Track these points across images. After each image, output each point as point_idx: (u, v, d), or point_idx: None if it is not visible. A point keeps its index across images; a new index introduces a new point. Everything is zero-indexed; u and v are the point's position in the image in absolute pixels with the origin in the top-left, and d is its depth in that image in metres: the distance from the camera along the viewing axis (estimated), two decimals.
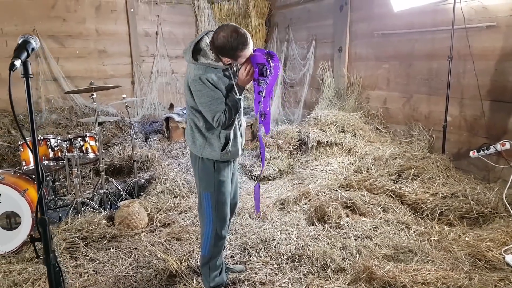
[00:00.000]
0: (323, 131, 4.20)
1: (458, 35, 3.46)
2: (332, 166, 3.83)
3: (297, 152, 4.30)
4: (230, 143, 2.04)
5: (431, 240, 2.68)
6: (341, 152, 4.02)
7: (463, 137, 3.68)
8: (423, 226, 2.86)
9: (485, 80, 3.43)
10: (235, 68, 2.11)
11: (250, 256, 2.58)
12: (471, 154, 3.37)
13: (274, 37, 6.32)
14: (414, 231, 2.81)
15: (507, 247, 2.61)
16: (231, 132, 2.05)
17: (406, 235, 2.75)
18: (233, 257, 2.62)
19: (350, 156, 3.95)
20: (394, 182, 3.38)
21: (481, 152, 3.30)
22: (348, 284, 2.18)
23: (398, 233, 2.76)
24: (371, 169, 3.62)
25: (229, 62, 1.96)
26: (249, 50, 1.91)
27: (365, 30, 4.58)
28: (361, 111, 4.58)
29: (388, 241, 2.63)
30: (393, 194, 3.23)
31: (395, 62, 4.26)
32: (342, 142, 4.08)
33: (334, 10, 4.97)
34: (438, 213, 2.96)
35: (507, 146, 3.17)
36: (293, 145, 4.31)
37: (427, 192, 3.17)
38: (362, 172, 3.64)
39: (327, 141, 4.10)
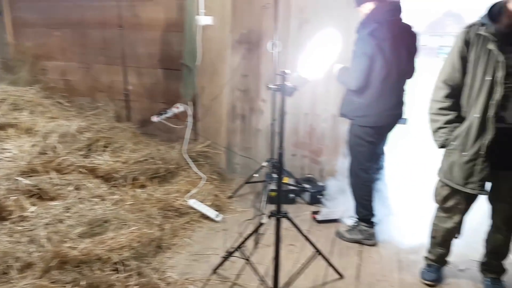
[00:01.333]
0: None
1: (127, 5, 3.61)
2: (10, 152, 3.31)
3: None
4: None
5: (125, 206, 2.82)
6: (19, 134, 3.53)
7: (145, 104, 3.98)
8: (118, 195, 2.96)
9: (155, 49, 3.77)
10: None
11: None
12: (153, 119, 3.71)
13: None
14: (109, 202, 2.87)
15: (189, 193, 3.10)
16: None
17: (102, 207, 2.76)
18: None
19: (31, 137, 3.52)
20: (84, 157, 3.29)
21: (161, 116, 3.69)
22: (38, 278, 2.00)
23: (93, 208, 2.74)
24: (58, 148, 3.37)
25: None
26: None
27: None
28: (38, 84, 4.12)
29: (82, 218, 2.57)
30: (85, 169, 3.15)
31: (68, 29, 4.03)
32: (18, 123, 3.57)
33: None
34: (130, 178, 3.13)
35: (181, 108, 3.67)
36: None
37: (119, 161, 3.27)
38: (47, 153, 3.33)
39: None
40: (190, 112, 3.64)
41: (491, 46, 1.79)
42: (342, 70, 2.55)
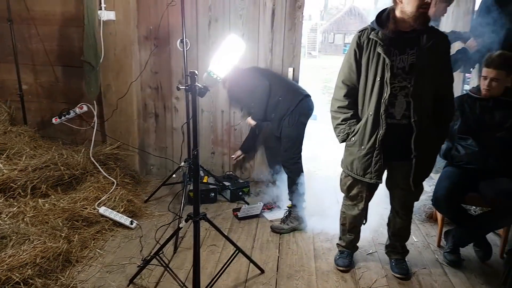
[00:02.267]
0: None
1: None
2: None
3: None
4: None
5: (26, 218, 2.57)
6: None
7: (43, 104, 3.65)
8: (16, 206, 2.68)
9: (52, 45, 3.47)
10: None
11: None
12: (53, 120, 3.42)
13: None
14: (6, 215, 2.58)
15: (99, 201, 2.92)
16: None
17: None
18: None
19: None
20: None
21: (63, 117, 3.42)
22: None
23: None
24: None
25: None
26: None
27: None
28: None
29: None
30: None
31: None
32: None
33: None
34: (30, 188, 2.85)
35: (85, 108, 3.44)
36: None
37: (16, 169, 2.96)
38: None
39: None
40: (95, 112, 3.43)
41: (379, 49, 1.97)
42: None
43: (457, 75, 3.07)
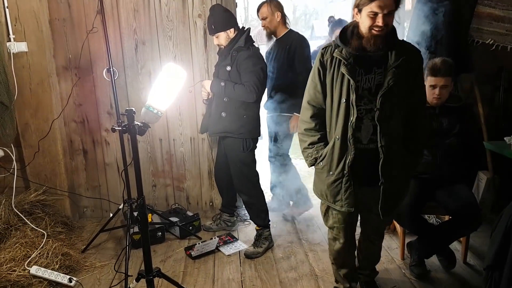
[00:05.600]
0: None
1: None
2: None
3: None
4: None
5: None
6: None
7: None
8: None
9: None
10: None
11: None
12: None
13: None
14: None
15: (29, 259, 2.61)
16: None
17: None
18: None
19: None
20: None
21: None
22: None
23: None
24: None
25: None
26: None
27: None
28: None
29: None
30: None
31: None
32: None
33: None
34: None
35: (1, 153, 3.09)
36: None
37: None
38: None
39: None
40: (14, 156, 3.09)
41: (343, 69, 1.84)
42: (230, 85, 2.66)
43: None
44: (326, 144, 2.00)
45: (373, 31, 1.76)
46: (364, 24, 1.76)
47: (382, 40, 1.77)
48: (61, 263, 2.69)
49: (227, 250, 2.90)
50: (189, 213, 3.28)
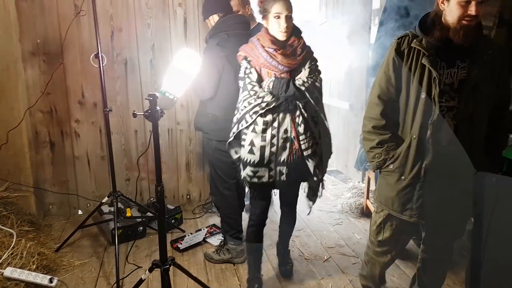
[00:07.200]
0: None
1: None
2: None
3: None
4: None
5: None
6: None
7: None
8: None
9: None
10: None
11: None
12: None
13: None
14: None
15: (0, 260, 2.43)
16: None
17: None
18: None
19: None
20: None
21: None
22: None
23: None
24: None
25: None
26: None
27: None
28: None
29: None
30: None
31: None
32: None
33: None
34: None
35: None
36: None
37: None
38: None
39: None
40: None
41: (425, 61, 1.67)
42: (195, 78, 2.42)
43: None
44: (397, 144, 1.81)
45: (464, 22, 1.59)
46: (453, 13, 1.60)
47: (471, 31, 1.61)
48: (38, 263, 2.53)
49: (215, 241, 2.89)
50: (170, 206, 3.22)
